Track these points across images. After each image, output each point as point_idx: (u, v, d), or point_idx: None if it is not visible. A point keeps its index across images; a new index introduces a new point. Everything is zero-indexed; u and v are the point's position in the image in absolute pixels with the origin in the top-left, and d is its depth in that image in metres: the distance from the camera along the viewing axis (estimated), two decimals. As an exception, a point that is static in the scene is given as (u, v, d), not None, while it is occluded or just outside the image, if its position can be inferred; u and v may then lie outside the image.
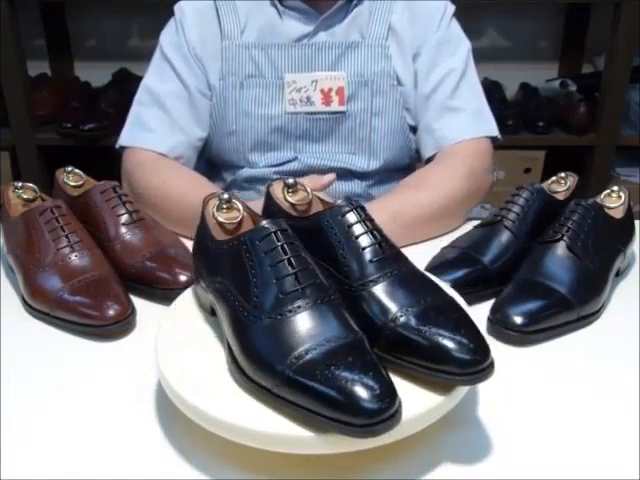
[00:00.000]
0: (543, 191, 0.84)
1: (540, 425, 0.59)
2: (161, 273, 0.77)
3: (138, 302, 0.75)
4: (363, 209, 0.60)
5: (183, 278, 0.76)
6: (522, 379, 0.65)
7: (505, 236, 0.80)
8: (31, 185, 0.85)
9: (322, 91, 1.04)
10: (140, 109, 1.06)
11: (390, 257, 0.57)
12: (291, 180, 0.67)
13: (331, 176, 0.90)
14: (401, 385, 0.54)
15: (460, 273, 0.77)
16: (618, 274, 0.82)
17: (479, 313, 0.72)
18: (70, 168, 0.89)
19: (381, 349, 0.54)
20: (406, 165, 1.14)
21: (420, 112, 1.06)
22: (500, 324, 0.70)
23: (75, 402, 0.62)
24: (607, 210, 0.81)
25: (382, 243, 0.58)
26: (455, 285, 0.70)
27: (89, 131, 1.84)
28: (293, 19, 1.04)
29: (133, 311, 0.72)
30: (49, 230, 0.76)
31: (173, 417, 0.58)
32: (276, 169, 1.08)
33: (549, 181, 0.91)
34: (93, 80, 2.09)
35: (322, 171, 1.06)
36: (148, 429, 0.58)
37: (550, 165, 2.01)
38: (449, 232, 0.94)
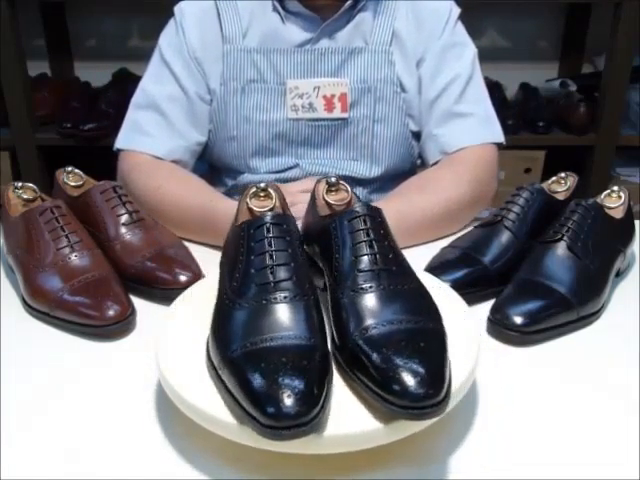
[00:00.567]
0: (543, 191, 0.84)
1: (540, 425, 0.59)
2: (161, 273, 0.77)
3: (138, 302, 0.75)
4: (373, 218, 0.58)
5: (183, 278, 0.76)
6: (522, 379, 0.65)
7: (505, 236, 0.80)
8: (31, 185, 0.85)
9: (324, 97, 1.03)
10: (137, 112, 1.05)
11: (385, 270, 0.55)
12: (333, 179, 0.67)
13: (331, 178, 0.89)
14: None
15: (460, 273, 0.77)
16: (618, 274, 0.82)
17: (479, 313, 0.73)
18: (70, 168, 0.89)
19: (344, 360, 0.53)
20: (408, 171, 1.13)
21: (425, 117, 1.06)
22: (500, 324, 0.70)
23: (75, 402, 0.62)
24: (607, 210, 0.81)
25: (379, 255, 0.56)
26: (455, 285, 0.70)
27: (89, 131, 1.85)
28: (296, 25, 1.03)
29: (133, 311, 0.72)
30: (49, 230, 0.76)
31: (173, 417, 0.58)
32: (277, 175, 1.07)
33: (549, 181, 0.91)
34: (93, 80, 2.09)
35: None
36: (148, 429, 0.58)
37: (550, 165, 2.01)
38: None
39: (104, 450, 0.56)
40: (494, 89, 2.01)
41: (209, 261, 0.80)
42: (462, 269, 0.77)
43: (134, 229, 0.81)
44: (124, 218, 0.81)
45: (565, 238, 0.75)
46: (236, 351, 0.51)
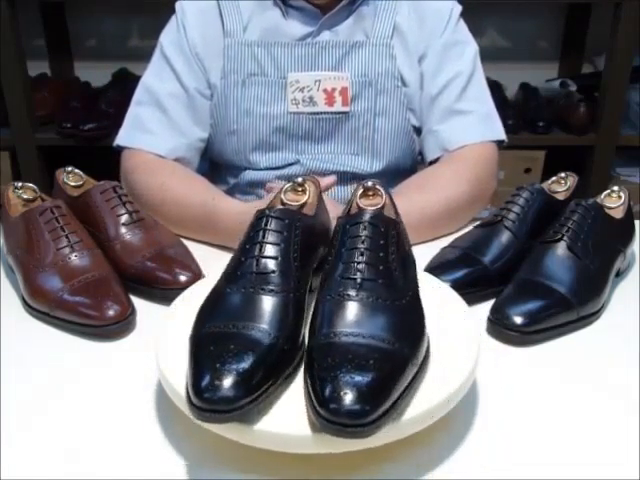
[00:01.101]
0: (543, 191, 0.84)
1: (540, 425, 0.59)
2: (161, 273, 0.77)
3: (138, 302, 0.75)
4: (375, 227, 0.57)
5: (183, 278, 0.76)
6: (522, 379, 0.65)
7: (505, 236, 0.80)
8: (31, 185, 0.85)
9: (325, 91, 1.03)
10: (138, 109, 1.06)
11: (369, 281, 0.54)
12: (370, 183, 0.65)
13: (332, 178, 0.89)
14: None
15: (460, 273, 0.77)
16: (618, 274, 0.82)
17: (479, 313, 0.73)
18: (70, 168, 0.89)
19: (304, 361, 0.54)
20: (409, 167, 1.13)
21: (426, 114, 1.06)
22: (500, 324, 0.70)
23: (75, 402, 0.62)
24: (607, 210, 0.81)
25: (368, 265, 0.55)
26: (455, 285, 0.71)
27: (89, 131, 1.84)
28: (297, 18, 1.03)
29: (133, 311, 0.72)
30: (49, 230, 0.76)
31: (173, 417, 0.58)
32: (278, 172, 1.07)
33: (549, 181, 0.91)
34: (93, 80, 2.09)
35: (325, 175, 1.05)
36: (148, 429, 0.58)
37: (550, 165, 2.01)
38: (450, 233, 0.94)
39: (104, 450, 0.56)
40: (494, 89, 1.98)
41: (209, 261, 0.80)
42: (462, 269, 0.77)
43: (134, 229, 0.81)
44: (124, 218, 0.81)
45: (565, 238, 0.75)
46: (203, 331, 0.53)
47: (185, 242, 0.86)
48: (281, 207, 0.60)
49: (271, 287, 0.55)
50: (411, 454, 0.56)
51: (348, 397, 0.46)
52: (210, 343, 0.51)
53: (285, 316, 0.54)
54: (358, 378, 0.47)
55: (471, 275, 0.77)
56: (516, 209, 0.81)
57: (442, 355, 0.57)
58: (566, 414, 0.61)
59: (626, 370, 0.66)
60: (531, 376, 0.66)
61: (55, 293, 0.72)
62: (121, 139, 1.05)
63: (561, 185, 0.89)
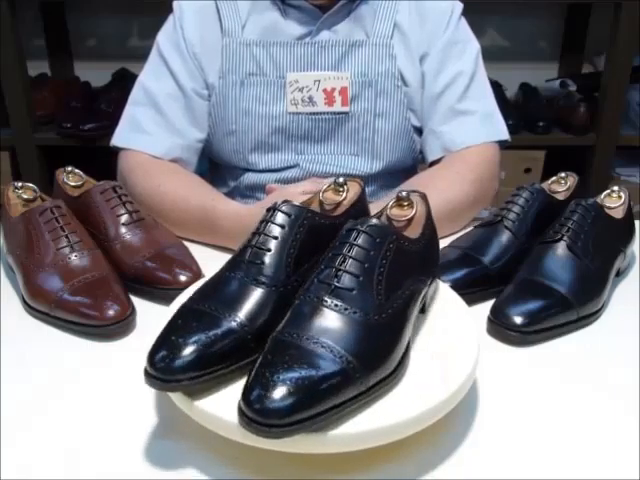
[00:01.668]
0: (543, 191, 0.84)
1: (540, 425, 0.59)
2: (161, 273, 0.77)
3: (138, 302, 0.75)
4: (371, 237, 0.55)
5: (183, 278, 0.76)
6: (522, 379, 0.65)
7: (505, 236, 0.80)
8: (31, 185, 0.85)
9: (325, 91, 1.02)
10: (135, 109, 1.05)
11: (342, 290, 0.52)
12: (404, 193, 0.65)
13: (331, 180, 0.89)
14: (402, 385, 0.54)
15: (460, 273, 0.77)
16: (618, 274, 0.82)
17: (479, 313, 0.72)
18: (70, 168, 0.89)
19: None
20: (409, 167, 1.12)
21: (427, 114, 1.05)
22: (500, 324, 0.70)
23: (75, 402, 0.62)
24: (607, 210, 0.81)
25: (345, 273, 0.53)
26: (455, 285, 0.71)
27: (89, 131, 1.84)
28: (296, 18, 1.03)
29: (133, 311, 0.72)
30: (49, 230, 0.76)
31: (173, 417, 0.58)
32: (278, 175, 1.07)
33: (549, 181, 0.91)
34: (93, 80, 2.09)
35: (324, 176, 1.05)
36: (148, 429, 0.58)
37: (550, 165, 2.01)
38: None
39: (104, 450, 0.56)
40: (494, 89, 2.00)
41: (209, 261, 0.80)
42: (462, 269, 0.77)
43: (134, 229, 0.81)
44: (124, 218, 0.81)
45: (565, 238, 0.75)
46: (187, 305, 0.56)
47: (185, 242, 0.86)
48: (292, 203, 0.60)
49: (261, 279, 0.56)
50: (411, 454, 0.56)
51: (265, 394, 0.46)
52: (182, 317, 0.55)
53: (262, 309, 0.55)
54: (283, 379, 0.47)
55: (471, 275, 0.77)
56: (516, 209, 0.81)
57: (442, 355, 0.57)
58: (566, 414, 0.61)
59: (626, 370, 0.66)
60: (531, 376, 0.66)
61: (55, 293, 0.72)
62: (117, 139, 1.04)
63: (561, 185, 0.89)
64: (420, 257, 0.60)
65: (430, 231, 0.64)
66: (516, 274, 0.75)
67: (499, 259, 0.78)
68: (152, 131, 1.03)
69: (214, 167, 1.16)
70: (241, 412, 0.47)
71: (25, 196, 0.84)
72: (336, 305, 0.52)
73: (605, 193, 0.85)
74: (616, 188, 0.86)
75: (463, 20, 1.07)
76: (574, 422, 0.60)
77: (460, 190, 0.94)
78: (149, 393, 0.62)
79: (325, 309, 0.52)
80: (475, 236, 0.82)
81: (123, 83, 1.93)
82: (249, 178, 1.08)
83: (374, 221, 0.56)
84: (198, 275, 0.77)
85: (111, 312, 0.70)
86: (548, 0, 2.08)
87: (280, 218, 0.59)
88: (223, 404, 0.51)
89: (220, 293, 0.56)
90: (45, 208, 0.77)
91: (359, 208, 0.67)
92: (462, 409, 0.58)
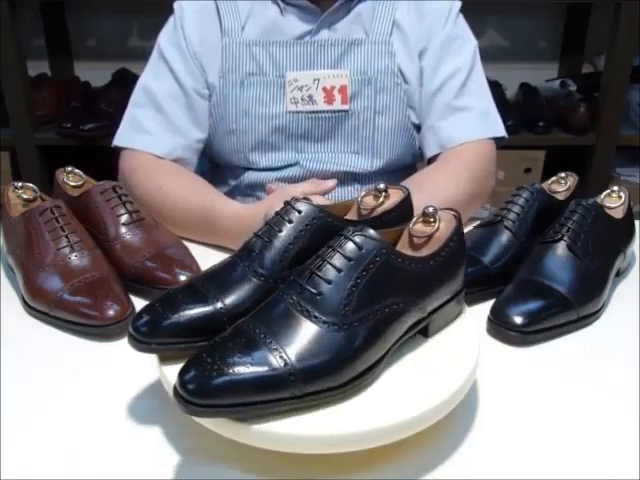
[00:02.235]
0: (543, 191, 0.84)
1: (540, 425, 0.59)
2: (161, 273, 0.77)
3: (138, 302, 0.75)
4: (357, 245, 0.53)
5: (183, 278, 0.76)
6: (522, 379, 0.65)
7: (505, 236, 0.80)
8: (31, 185, 0.85)
9: (324, 89, 1.02)
10: (136, 109, 1.05)
11: (308, 292, 0.52)
12: (431, 209, 0.62)
13: (332, 182, 0.89)
14: (403, 386, 0.54)
15: (460, 273, 0.77)
16: (618, 274, 0.82)
17: (479, 313, 0.72)
18: (70, 168, 0.89)
19: None
20: (409, 165, 1.13)
21: (425, 111, 1.05)
22: (500, 324, 0.70)
23: (75, 402, 0.62)
24: (607, 210, 0.81)
25: (315, 277, 0.53)
26: (455, 285, 0.70)
27: (89, 131, 1.84)
28: (295, 16, 1.03)
29: (133, 311, 0.72)
30: (49, 230, 0.76)
31: (173, 417, 0.58)
32: (278, 174, 1.07)
33: (549, 181, 0.91)
34: (93, 80, 2.09)
35: (324, 176, 1.05)
36: (148, 429, 0.58)
37: (550, 165, 2.01)
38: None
39: (104, 450, 0.56)
40: (494, 89, 2.00)
41: (209, 261, 0.80)
42: (462, 269, 0.77)
43: (134, 229, 0.81)
44: (124, 218, 0.81)
45: (565, 238, 0.75)
46: (191, 280, 0.61)
47: (185, 242, 0.86)
48: (307, 201, 0.60)
49: (257, 269, 0.58)
50: (412, 454, 0.56)
51: (195, 372, 0.48)
52: (177, 290, 0.59)
53: (246, 298, 0.57)
54: (217, 363, 0.48)
55: (471, 275, 0.77)
56: (516, 209, 0.81)
57: (442, 355, 0.57)
58: (566, 414, 0.61)
59: (626, 370, 0.66)
60: (531, 376, 0.66)
61: (55, 293, 0.72)
62: (119, 140, 1.05)
63: (561, 185, 0.89)
64: (420, 278, 0.56)
65: (449, 254, 0.58)
66: (516, 274, 0.75)
67: (499, 259, 0.78)
68: (153, 131, 1.03)
69: (214, 166, 1.16)
70: (177, 382, 0.49)
71: (25, 196, 0.84)
72: (300, 306, 0.52)
73: (605, 193, 0.85)
74: (616, 188, 0.86)
75: (461, 18, 1.07)
76: (574, 422, 0.60)
77: (456, 188, 0.94)
78: (149, 393, 0.62)
79: (289, 308, 0.52)
80: (475, 236, 0.82)
81: (123, 83, 1.93)
82: (249, 177, 1.08)
83: (366, 231, 0.54)
84: (198, 275, 0.77)
85: (111, 312, 0.70)
86: (548, 0, 2.07)
87: (290, 213, 0.60)
88: (223, 404, 0.51)
89: (218, 275, 0.59)
90: (45, 208, 0.77)
91: (394, 217, 0.64)
92: (462, 409, 0.58)
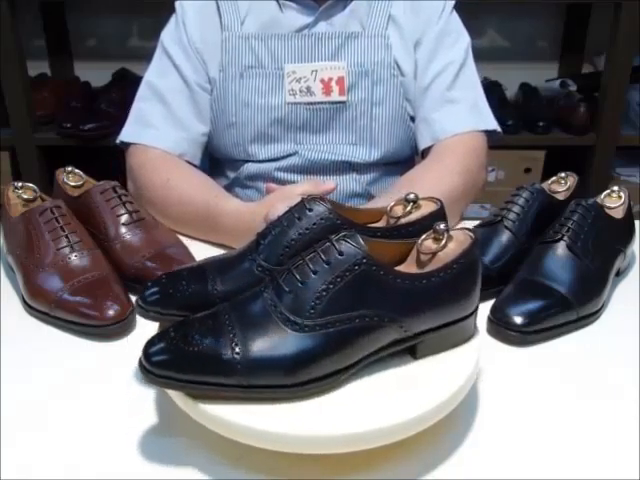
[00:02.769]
0: (543, 191, 0.84)
1: (540, 425, 0.59)
2: (161, 273, 0.77)
3: (138, 302, 0.75)
4: (340, 253, 0.52)
5: (183, 278, 0.76)
6: (522, 379, 0.65)
7: (505, 236, 0.80)
8: (31, 185, 0.85)
9: (322, 81, 1.04)
10: (141, 104, 1.07)
11: (279, 290, 0.52)
12: (442, 225, 0.58)
13: (332, 183, 0.90)
14: (403, 386, 0.54)
15: (460, 273, 0.77)
16: (618, 274, 0.82)
17: (479, 313, 0.72)
18: (70, 168, 0.89)
19: None
20: (407, 157, 1.14)
21: (418, 103, 1.07)
22: (500, 324, 0.70)
23: (75, 402, 0.62)
24: (607, 210, 0.81)
25: (289, 275, 0.53)
26: (455, 285, 0.70)
27: (89, 131, 1.84)
28: (293, 11, 1.05)
29: (133, 311, 0.72)
30: (49, 230, 0.76)
31: (174, 416, 0.58)
32: (277, 164, 1.08)
33: (549, 181, 0.91)
34: (93, 80, 2.09)
35: (323, 165, 1.07)
36: (149, 429, 0.58)
37: (550, 165, 2.01)
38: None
39: (104, 450, 0.56)
40: (494, 89, 2.01)
41: (209, 261, 0.80)
42: (462, 269, 0.77)
43: (134, 229, 0.81)
44: (124, 218, 0.81)
45: (565, 238, 0.75)
46: (207, 259, 0.64)
47: (185, 242, 0.86)
48: (320, 201, 0.60)
49: (258, 260, 0.60)
50: (412, 454, 0.56)
51: (157, 341, 0.51)
52: (188, 268, 0.62)
53: (241, 285, 0.58)
54: (177, 338, 0.51)
55: (471, 275, 0.77)
56: (516, 209, 0.81)
57: (442, 355, 0.57)
58: (566, 414, 0.61)
59: (626, 370, 0.66)
60: (531, 376, 0.66)
61: (55, 293, 0.72)
62: (125, 135, 1.06)
63: (561, 185, 0.89)
64: (406, 295, 0.53)
65: (450, 276, 0.55)
66: (516, 274, 0.75)
67: (499, 259, 0.78)
68: (159, 125, 1.04)
69: (214, 161, 1.17)
70: (142, 350, 0.52)
71: (25, 196, 0.84)
72: (271, 301, 0.52)
73: (605, 193, 0.85)
74: (616, 188, 0.86)
75: (455, 15, 1.09)
76: (574, 422, 0.60)
77: (450, 182, 0.95)
78: (149, 393, 0.62)
79: (262, 301, 0.53)
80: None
81: (123, 83, 1.93)
82: (249, 169, 1.10)
83: (351, 238, 0.53)
84: (198, 275, 0.77)
85: (111, 312, 0.70)
86: (548, 0, 2.07)
87: (301, 211, 0.60)
88: (224, 405, 0.51)
89: (225, 261, 0.62)
90: (45, 208, 0.77)
91: (417, 229, 0.61)
92: (462, 409, 0.58)
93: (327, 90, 1.04)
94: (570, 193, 0.88)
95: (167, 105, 1.05)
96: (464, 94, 1.05)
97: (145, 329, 0.72)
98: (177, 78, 1.05)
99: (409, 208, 0.64)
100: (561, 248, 0.75)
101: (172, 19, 1.08)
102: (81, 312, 0.71)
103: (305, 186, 0.89)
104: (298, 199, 0.84)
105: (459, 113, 1.04)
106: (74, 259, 0.74)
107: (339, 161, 1.07)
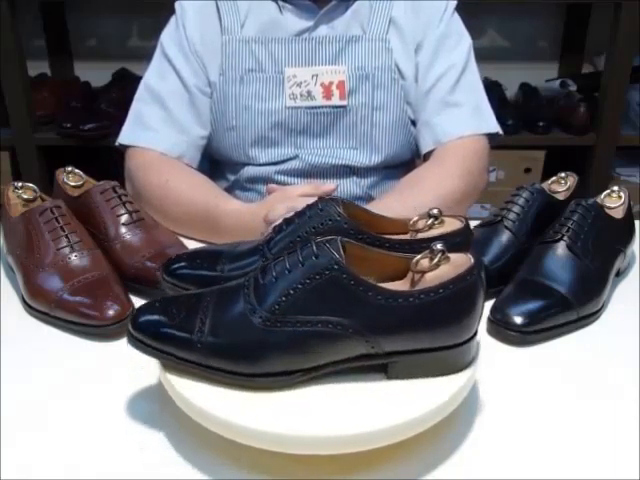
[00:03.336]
0: (543, 191, 0.84)
1: (540, 425, 0.59)
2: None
3: (138, 302, 0.75)
4: (316, 257, 0.52)
5: (183, 278, 0.76)
6: (522, 379, 0.65)
7: (505, 236, 0.80)
8: (31, 185, 0.85)
9: (322, 85, 1.04)
10: (140, 107, 1.06)
11: (257, 284, 0.53)
12: (439, 246, 0.55)
13: (332, 185, 0.90)
14: (404, 387, 0.54)
15: (460, 273, 0.77)
16: (618, 274, 0.82)
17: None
18: (70, 168, 0.89)
19: None
20: (407, 161, 1.13)
21: (420, 107, 1.06)
22: (500, 324, 0.70)
23: (75, 402, 0.62)
24: (607, 210, 0.81)
25: (266, 274, 0.54)
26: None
27: (89, 131, 1.84)
28: (294, 14, 1.04)
29: (133, 311, 0.72)
30: (49, 230, 0.76)
31: (174, 416, 0.58)
32: (277, 167, 1.08)
33: (549, 181, 0.91)
34: (93, 80, 2.09)
35: (324, 169, 1.06)
36: (149, 429, 0.58)
37: (550, 165, 2.01)
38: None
39: (104, 450, 0.56)
40: (494, 89, 2.01)
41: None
42: (462, 269, 0.77)
43: (134, 229, 0.81)
44: (124, 218, 0.81)
45: (565, 238, 0.75)
46: (230, 243, 0.71)
47: (185, 242, 0.86)
48: (333, 203, 0.61)
49: (265, 251, 0.62)
50: (412, 454, 0.56)
51: (142, 310, 0.57)
52: (207, 248, 0.73)
53: (244, 274, 0.59)
54: (156, 307, 0.56)
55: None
56: (516, 209, 0.81)
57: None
58: (566, 414, 0.61)
59: (626, 370, 0.66)
60: (531, 376, 0.66)
61: (55, 293, 0.72)
62: (123, 137, 1.06)
63: (561, 185, 0.89)
64: (379, 311, 0.51)
65: (433, 299, 0.51)
66: (516, 274, 0.75)
67: (499, 259, 0.78)
68: (157, 127, 1.04)
69: (213, 163, 1.17)
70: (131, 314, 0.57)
71: (25, 196, 0.84)
72: (246, 290, 0.54)
73: (605, 193, 0.85)
74: (616, 188, 0.86)
75: (456, 16, 1.09)
76: (574, 422, 0.60)
77: (451, 185, 0.95)
78: (149, 393, 0.62)
79: (240, 289, 0.54)
80: (475, 236, 0.82)
81: (123, 83, 1.93)
82: (249, 171, 1.09)
83: (331, 242, 0.52)
84: (198, 275, 0.77)
85: (111, 312, 0.70)
86: (548, 0, 2.07)
87: (314, 209, 0.61)
88: (224, 405, 0.51)
89: (241, 248, 0.67)
90: (45, 208, 0.77)
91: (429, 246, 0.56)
92: (462, 409, 0.58)
93: (327, 94, 1.04)
94: (570, 193, 0.88)
95: (166, 108, 1.04)
96: (466, 97, 1.05)
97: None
98: (176, 81, 1.05)
99: (429, 222, 0.62)
100: (561, 248, 0.75)
101: (172, 20, 1.08)
102: (81, 312, 0.71)
103: (305, 187, 0.89)
104: (298, 200, 0.85)
105: (461, 116, 1.03)
106: (74, 259, 0.74)
107: (340, 165, 1.07)
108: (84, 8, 2.13)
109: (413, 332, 0.52)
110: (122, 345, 0.70)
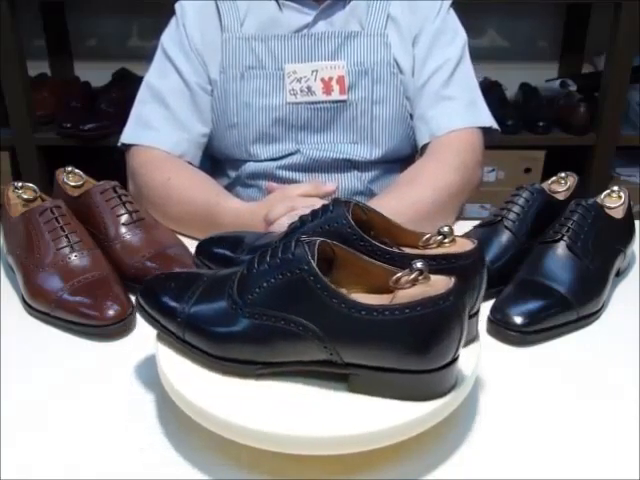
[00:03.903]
0: (543, 191, 0.84)
1: (540, 425, 0.59)
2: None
3: (138, 302, 0.75)
4: (296, 258, 0.52)
5: (183, 278, 0.76)
6: (522, 379, 0.65)
7: (505, 236, 0.80)
8: (31, 185, 0.85)
9: (322, 80, 1.04)
10: (142, 106, 1.07)
11: (241, 280, 0.55)
12: (419, 264, 0.52)
13: (332, 186, 0.91)
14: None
15: (460, 273, 0.77)
16: (618, 274, 0.82)
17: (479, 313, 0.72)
18: (70, 168, 0.89)
19: None
20: (408, 155, 1.14)
21: (415, 101, 1.07)
22: (500, 324, 0.70)
23: (75, 402, 0.62)
24: (607, 210, 0.81)
25: (248, 270, 0.55)
26: (455, 285, 0.70)
27: (89, 131, 1.84)
28: (293, 11, 1.05)
29: (133, 311, 0.72)
30: (49, 230, 0.76)
31: (174, 416, 0.58)
32: (279, 163, 1.08)
33: (549, 181, 0.91)
34: (93, 80, 2.09)
35: (325, 163, 1.07)
36: (149, 429, 0.58)
37: (550, 165, 2.01)
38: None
39: (104, 450, 0.56)
40: (494, 89, 2.01)
41: (209, 261, 0.80)
42: (462, 269, 0.77)
43: (134, 229, 0.81)
44: (124, 218, 0.81)
45: (565, 238, 0.75)
46: (248, 232, 0.79)
47: (185, 242, 0.86)
48: (344, 204, 0.61)
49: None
50: (413, 455, 0.56)
51: (150, 280, 0.61)
52: (239, 232, 0.79)
53: None
54: (160, 280, 0.60)
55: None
56: (516, 209, 0.81)
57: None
58: (566, 414, 0.61)
59: (626, 370, 0.66)
60: (531, 376, 0.66)
61: (55, 293, 0.72)
62: (125, 137, 1.06)
63: (561, 185, 0.89)
64: (342, 320, 0.50)
65: (399, 319, 0.49)
66: (516, 274, 0.75)
67: (499, 259, 0.78)
68: (159, 126, 1.04)
69: (214, 161, 1.17)
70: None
71: (25, 196, 0.84)
72: (233, 277, 0.56)
73: (605, 193, 0.85)
74: (616, 188, 0.86)
75: (452, 13, 1.10)
76: (574, 422, 0.60)
77: (447, 178, 0.95)
78: (149, 393, 0.62)
79: (230, 276, 0.56)
80: (475, 236, 0.82)
81: (123, 83, 1.93)
82: (250, 167, 1.10)
83: (310, 244, 0.52)
84: (198, 275, 0.77)
85: (111, 312, 0.70)
86: (548, 0, 2.07)
87: (325, 209, 0.62)
88: (224, 405, 0.51)
89: (264, 240, 0.72)
90: (45, 208, 0.77)
91: (433, 266, 0.54)
92: (463, 409, 0.58)
93: (328, 89, 1.04)
94: (570, 193, 0.88)
95: (167, 107, 1.05)
96: (460, 91, 1.05)
97: (145, 329, 0.72)
98: (178, 79, 1.06)
99: (438, 239, 0.60)
100: (561, 248, 0.75)
101: (172, 21, 1.09)
102: (81, 312, 0.71)
103: (306, 187, 0.90)
104: (298, 200, 0.85)
105: (455, 109, 1.04)
106: (74, 259, 0.74)
107: (340, 159, 1.07)
108: (84, 8, 2.13)
109: (376, 348, 0.51)
110: (122, 345, 0.70)
